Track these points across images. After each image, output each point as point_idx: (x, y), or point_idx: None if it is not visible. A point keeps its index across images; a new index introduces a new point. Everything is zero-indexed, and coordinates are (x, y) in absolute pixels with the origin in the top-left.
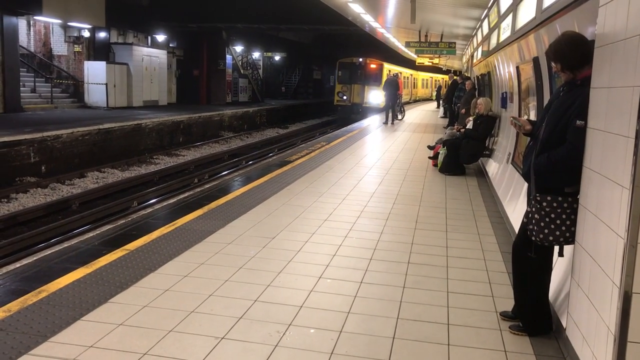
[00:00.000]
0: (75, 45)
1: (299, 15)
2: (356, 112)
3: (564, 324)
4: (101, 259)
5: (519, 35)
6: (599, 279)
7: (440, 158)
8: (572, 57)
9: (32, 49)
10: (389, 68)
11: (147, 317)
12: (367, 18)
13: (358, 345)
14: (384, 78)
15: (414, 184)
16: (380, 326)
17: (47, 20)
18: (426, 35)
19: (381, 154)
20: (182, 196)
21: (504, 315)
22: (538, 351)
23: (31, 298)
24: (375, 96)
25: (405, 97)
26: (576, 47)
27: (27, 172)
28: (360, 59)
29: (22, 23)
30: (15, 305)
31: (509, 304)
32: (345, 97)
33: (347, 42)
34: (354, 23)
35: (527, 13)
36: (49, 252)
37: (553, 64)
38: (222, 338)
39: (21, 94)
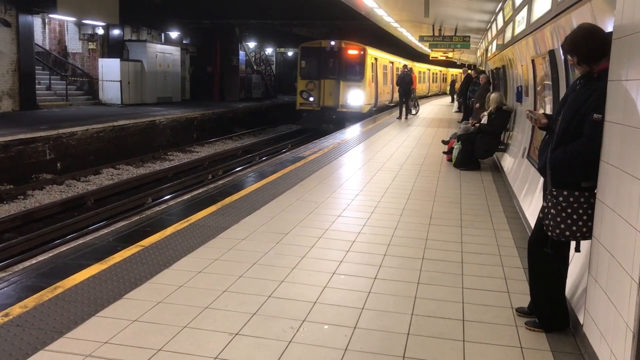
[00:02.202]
0: (89, 43)
1: (311, 10)
2: (328, 120)
3: (581, 320)
4: (116, 255)
5: (534, 28)
6: (617, 275)
7: (455, 153)
8: (589, 49)
9: (47, 47)
10: (375, 55)
11: (161, 313)
12: (380, 12)
13: (372, 342)
14: (368, 69)
15: (428, 179)
16: (395, 322)
17: (62, 18)
18: (440, 29)
19: (395, 149)
20: (196, 192)
21: (520, 311)
22: (554, 347)
23: (47, 294)
24: (356, 96)
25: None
26: (593, 40)
27: (42, 169)
28: (332, 43)
29: (37, 21)
30: (31, 301)
31: (524, 300)
32: (312, 99)
33: (361, 36)
34: (366, 17)
35: (542, 5)
36: (65, 248)
37: (569, 57)
38: (236, 334)
39: (37, 92)
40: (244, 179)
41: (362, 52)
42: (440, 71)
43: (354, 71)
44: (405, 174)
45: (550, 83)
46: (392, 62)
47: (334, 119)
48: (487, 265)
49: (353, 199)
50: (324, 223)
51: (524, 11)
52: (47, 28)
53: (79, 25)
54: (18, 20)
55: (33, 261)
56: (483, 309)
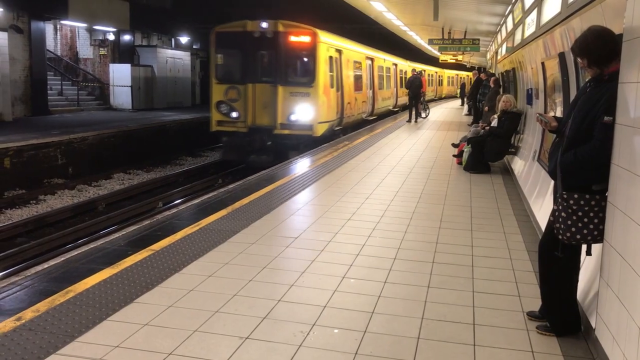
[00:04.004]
0: (100, 49)
1: (320, 14)
2: (260, 147)
3: (592, 324)
4: (127, 259)
5: (544, 31)
6: (629, 279)
7: (465, 156)
8: (599, 52)
9: (58, 53)
10: (338, 46)
11: (172, 317)
12: (390, 16)
13: (382, 346)
14: (322, 66)
15: (438, 182)
16: (405, 326)
17: (73, 24)
18: (449, 33)
19: (405, 153)
20: (206, 197)
21: (531, 315)
22: (566, 352)
23: (59, 298)
24: (304, 110)
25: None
26: (603, 42)
27: (54, 174)
28: (264, 24)
29: (49, 27)
30: (43, 306)
31: (536, 304)
32: (234, 114)
33: (370, 40)
34: (375, 21)
35: (552, 8)
36: (76, 252)
37: (579, 59)
38: (247, 338)
39: (48, 97)
40: (254, 183)
41: (312, 40)
42: (436, 73)
43: (301, 70)
44: (415, 177)
45: (561, 85)
46: (378, 60)
47: (269, 147)
48: (497, 269)
49: (363, 202)
50: (333, 227)
51: (534, 13)
52: (58, 34)
53: (90, 31)
54: (30, 26)
55: (45, 265)
56: (494, 313)
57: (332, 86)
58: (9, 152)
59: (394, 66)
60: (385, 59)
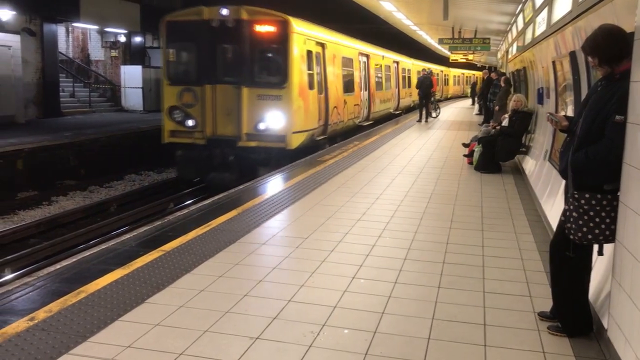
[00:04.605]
0: (111, 50)
1: (328, 14)
2: (222, 163)
3: (605, 324)
4: (138, 260)
5: (555, 29)
6: None
7: (476, 156)
8: (610, 50)
9: (70, 55)
10: (319, 38)
11: (183, 317)
12: (399, 15)
13: (393, 346)
14: (296, 63)
15: (448, 182)
16: (415, 327)
17: (85, 26)
18: (459, 32)
19: (415, 153)
20: (217, 197)
21: (542, 316)
22: (578, 352)
23: (71, 299)
24: (277, 116)
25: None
26: (614, 40)
27: (67, 176)
28: (224, 11)
29: (60, 30)
30: (55, 306)
31: (547, 304)
32: (191, 122)
33: (378, 40)
34: (385, 21)
35: (563, 6)
36: (88, 253)
37: (590, 58)
38: (257, 338)
39: (60, 99)
40: (264, 184)
41: (282, 30)
42: (442, 72)
43: (270, 67)
44: (425, 177)
45: (572, 84)
46: (365, 54)
47: (232, 162)
48: (508, 269)
49: (373, 202)
50: (343, 227)
51: (545, 12)
52: (70, 36)
53: (102, 33)
54: (42, 29)
55: (57, 266)
56: (505, 313)
57: (311, 87)
58: (21, 153)
59: (395, 64)
60: (384, 56)
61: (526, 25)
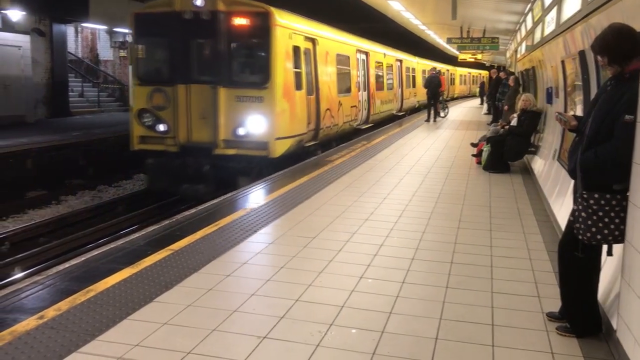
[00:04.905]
0: (120, 50)
1: (336, 14)
2: (195, 172)
3: (614, 325)
4: (146, 259)
5: (564, 29)
6: None
7: (484, 155)
8: (620, 49)
9: (79, 55)
10: (308, 32)
11: (191, 316)
12: (407, 15)
13: (400, 346)
14: (279, 59)
15: (457, 182)
16: (423, 327)
17: (94, 26)
18: (468, 31)
19: (423, 152)
20: (225, 197)
21: (551, 316)
22: (587, 353)
23: (80, 297)
24: (258, 120)
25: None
26: (624, 39)
27: (75, 175)
28: (198, 2)
29: (70, 30)
30: (64, 304)
31: (555, 305)
32: (162, 127)
33: (385, 39)
34: (393, 20)
35: (572, 5)
36: (97, 252)
37: (599, 57)
38: (264, 337)
39: (69, 99)
40: (272, 183)
41: (264, 23)
42: (448, 71)
43: (251, 65)
44: (433, 177)
45: (581, 84)
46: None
47: (207, 173)
48: (517, 269)
49: (381, 202)
50: (351, 227)
51: (554, 11)
52: (79, 36)
53: (110, 33)
54: (52, 29)
55: (66, 265)
56: (513, 314)
57: (298, 87)
58: (31, 153)
59: (398, 63)
60: (385, 54)
61: (535, 24)
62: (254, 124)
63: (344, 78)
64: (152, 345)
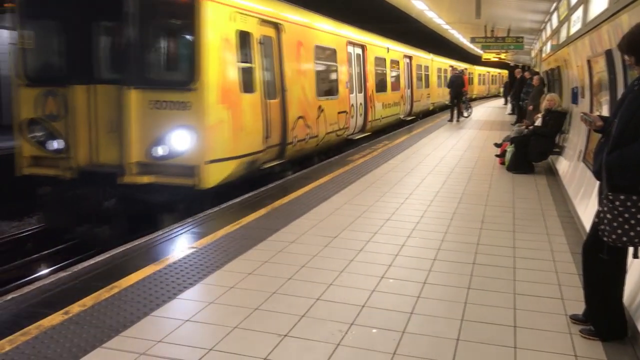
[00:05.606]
0: None
1: (359, 15)
2: (97, 207)
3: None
4: (169, 256)
5: (590, 28)
6: None
7: (508, 156)
8: None
9: None
10: (274, 16)
11: (212, 313)
12: (431, 14)
13: (421, 346)
14: (211, 45)
15: (480, 182)
16: (444, 327)
17: None
18: (492, 30)
19: (446, 152)
20: (246, 196)
21: (575, 319)
22: (611, 357)
23: (104, 294)
24: (183, 135)
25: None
26: None
27: None
28: None
29: None
30: (89, 300)
31: (579, 307)
32: (55, 144)
33: (409, 39)
34: (416, 19)
35: (599, 4)
36: (121, 249)
37: (626, 56)
38: (285, 335)
39: None
40: (293, 183)
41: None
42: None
43: (171, 56)
44: (456, 177)
45: (607, 84)
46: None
47: (113, 209)
48: (540, 271)
49: (403, 202)
50: (372, 227)
51: (580, 10)
52: None
53: None
54: None
55: (91, 262)
56: (535, 316)
57: (248, 89)
58: None
59: (407, 59)
60: (390, 48)
61: (561, 23)
62: (178, 141)
63: (327, 77)
64: (174, 342)
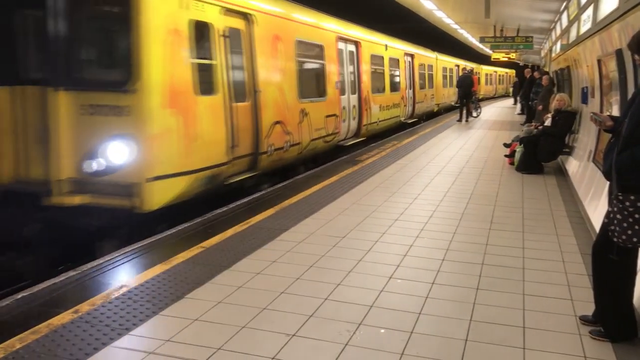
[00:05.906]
0: None
1: (369, 15)
2: (17, 233)
3: None
4: (178, 256)
5: (600, 27)
6: None
7: (517, 156)
8: None
9: None
10: (244, 4)
11: (221, 313)
12: (440, 14)
13: (429, 347)
14: (155, 37)
15: (489, 183)
16: (453, 328)
17: None
18: (501, 30)
19: (455, 152)
20: (255, 195)
21: (584, 320)
22: (621, 358)
23: (113, 293)
24: (120, 146)
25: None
26: None
27: None
28: None
29: None
30: (99, 299)
31: (589, 308)
32: None
33: (418, 39)
34: (425, 19)
35: (609, 3)
36: (129, 249)
37: (636, 56)
38: (293, 335)
39: None
40: (301, 182)
41: None
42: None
43: (106, 51)
44: (465, 177)
45: (617, 84)
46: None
47: (38, 234)
48: (549, 272)
49: (411, 202)
50: (381, 227)
51: (590, 10)
52: None
53: None
54: None
55: (101, 261)
56: (545, 317)
57: (206, 90)
58: None
59: (409, 58)
60: (388, 46)
61: (571, 23)
62: (115, 154)
63: (312, 76)
64: (182, 341)
